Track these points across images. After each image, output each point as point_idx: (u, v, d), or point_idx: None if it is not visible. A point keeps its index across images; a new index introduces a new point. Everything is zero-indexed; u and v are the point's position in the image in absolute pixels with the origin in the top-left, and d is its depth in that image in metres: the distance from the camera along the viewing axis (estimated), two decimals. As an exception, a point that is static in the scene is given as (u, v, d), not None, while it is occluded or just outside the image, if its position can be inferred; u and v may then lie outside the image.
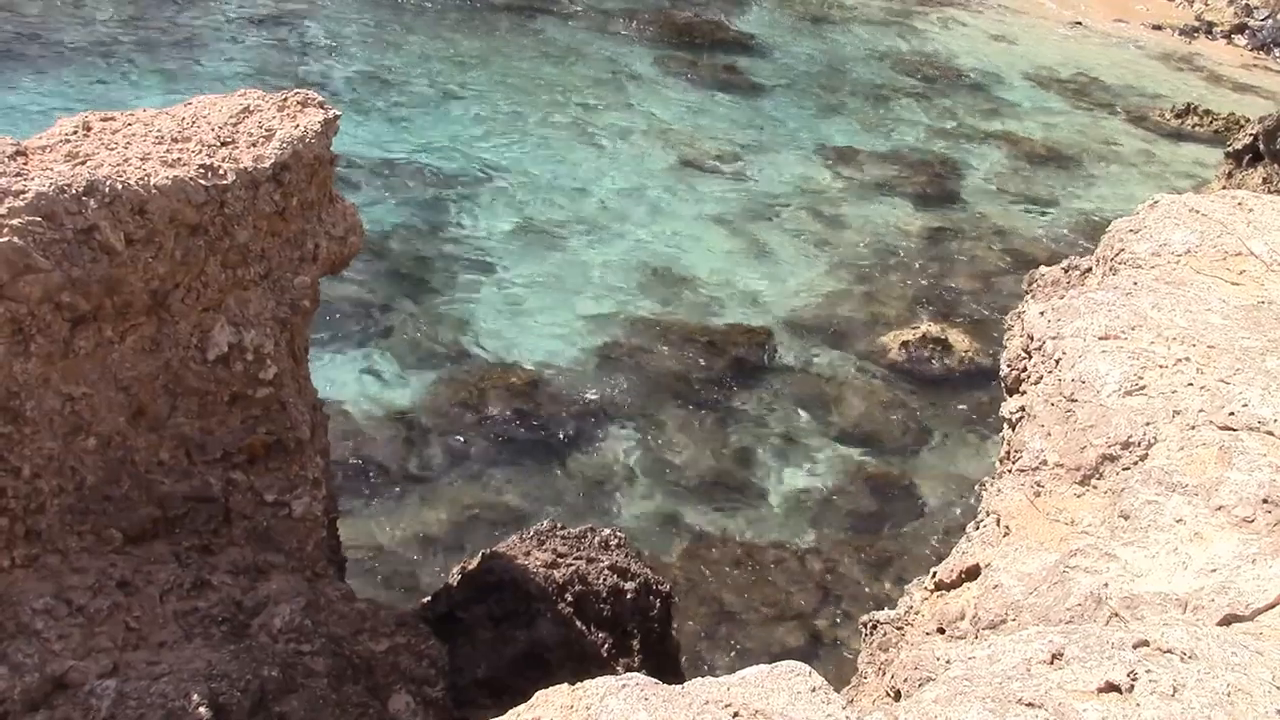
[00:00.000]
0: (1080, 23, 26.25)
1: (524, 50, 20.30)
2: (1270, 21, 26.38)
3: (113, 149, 4.50)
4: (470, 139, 16.73)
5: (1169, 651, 2.86)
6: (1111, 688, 2.73)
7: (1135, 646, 2.89)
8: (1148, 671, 2.76)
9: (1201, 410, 3.97)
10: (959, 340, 12.90)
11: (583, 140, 17.27)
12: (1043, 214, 17.05)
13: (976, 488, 5.42)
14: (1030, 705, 2.70)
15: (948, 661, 3.18)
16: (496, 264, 13.58)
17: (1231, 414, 3.92)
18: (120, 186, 4.21)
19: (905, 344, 12.74)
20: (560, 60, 20.13)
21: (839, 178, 17.26)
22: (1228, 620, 3.20)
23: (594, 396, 11.41)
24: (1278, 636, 3.07)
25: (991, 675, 2.85)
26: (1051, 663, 2.86)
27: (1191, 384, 4.09)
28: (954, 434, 11.59)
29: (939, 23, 25.18)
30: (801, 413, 11.66)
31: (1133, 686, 2.73)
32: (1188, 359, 4.21)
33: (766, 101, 19.87)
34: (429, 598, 6.96)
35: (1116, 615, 3.35)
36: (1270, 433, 3.84)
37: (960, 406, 11.96)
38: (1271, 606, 3.22)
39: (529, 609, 6.47)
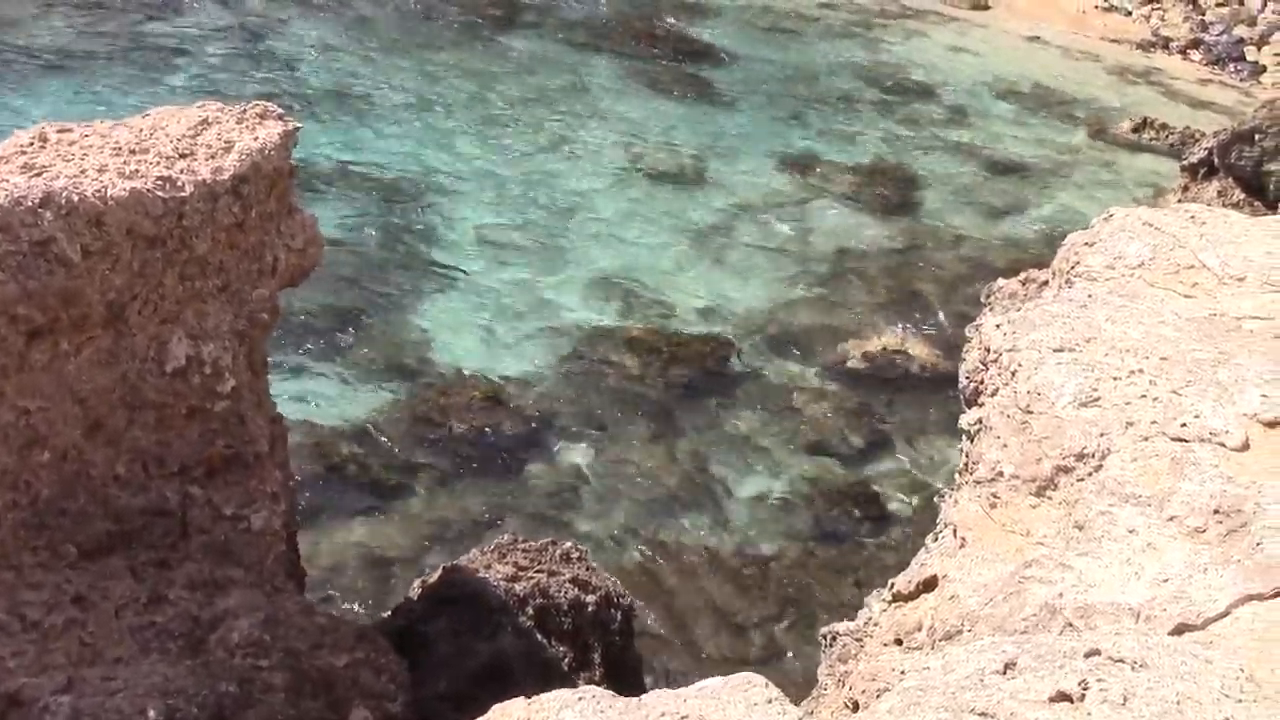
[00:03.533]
0: (1038, 36, 26.49)
1: (488, 62, 20.28)
2: (1225, 37, 26.73)
3: (69, 161, 4.47)
4: (433, 150, 16.68)
5: (1120, 661, 2.89)
6: (1063, 697, 2.76)
7: (1087, 656, 2.92)
8: (1099, 681, 2.79)
9: (1154, 422, 4.02)
10: (920, 350, 12.98)
11: (546, 151, 17.25)
12: (1003, 224, 17.17)
13: (936, 498, 5.46)
14: (983, 715, 2.72)
15: (903, 672, 3.21)
16: (459, 276, 13.54)
17: (1184, 425, 3.98)
18: (77, 198, 4.18)
19: (866, 353, 12.80)
20: (525, 71, 20.11)
21: (802, 187, 17.32)
22: (1180, 629, 3.24)
23: (555, 408, 11.40)
24: (1228, 645, 3.12)
25: (945, 685, 2.88)
26: (1004, 672, 2.89)
27: (1145, 395, 4.14)
28: (914, 444, 11.66)
29: (900, 34, 25.33)
30: (762, 422, 11.68)
31: (1084, 695, 2.76)
32: (1141, 371, 4.26)
33: (730, 111, 19.93)
34: (389, 612, 6.94)
35: (1070, 625, 3.39)
36: (1222, 444, 3.90)
37: (921, 416, 12.02)
38: (1223, 616, 3.27)
39: (490, 622, 6.45)
